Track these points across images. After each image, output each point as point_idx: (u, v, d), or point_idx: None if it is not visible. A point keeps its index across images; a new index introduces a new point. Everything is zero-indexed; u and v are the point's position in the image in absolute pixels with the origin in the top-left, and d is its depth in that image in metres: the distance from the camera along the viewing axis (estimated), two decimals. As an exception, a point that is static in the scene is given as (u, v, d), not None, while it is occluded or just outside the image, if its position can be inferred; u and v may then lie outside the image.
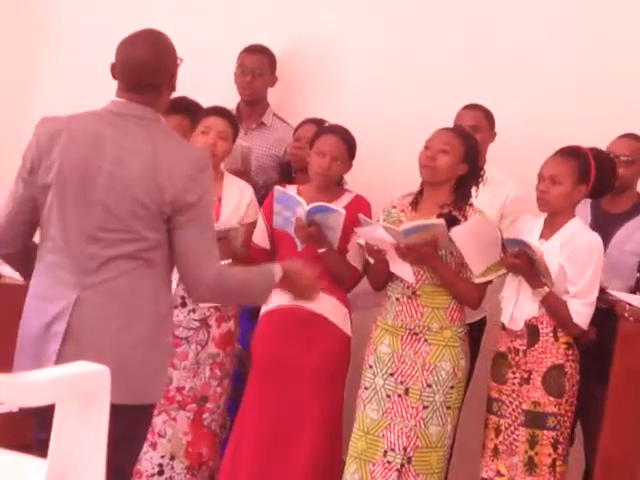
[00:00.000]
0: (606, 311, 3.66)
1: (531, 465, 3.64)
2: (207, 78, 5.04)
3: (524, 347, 3.68)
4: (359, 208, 3.98)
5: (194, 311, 4.11)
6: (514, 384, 3.69)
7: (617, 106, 4.41)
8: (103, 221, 2.84)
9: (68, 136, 2.88)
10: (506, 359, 3.72)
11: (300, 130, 4.60)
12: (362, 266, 4.03)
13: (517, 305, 3.70)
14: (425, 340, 3.79)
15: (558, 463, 3.66)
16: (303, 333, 4.03)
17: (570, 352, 3.67)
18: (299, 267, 3.19)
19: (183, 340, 4.07)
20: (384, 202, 4.02)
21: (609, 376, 3.51)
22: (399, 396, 3.78)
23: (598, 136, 4.08)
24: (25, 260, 3.03)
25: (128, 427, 2.69)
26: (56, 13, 5.80)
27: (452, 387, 3.78)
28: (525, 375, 3.67)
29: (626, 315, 3.55)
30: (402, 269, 3.74)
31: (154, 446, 4.09)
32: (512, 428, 3.68)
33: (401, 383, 3.78)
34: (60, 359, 2.79)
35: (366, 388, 3.85)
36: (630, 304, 3.56)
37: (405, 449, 3.75)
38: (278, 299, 4.08)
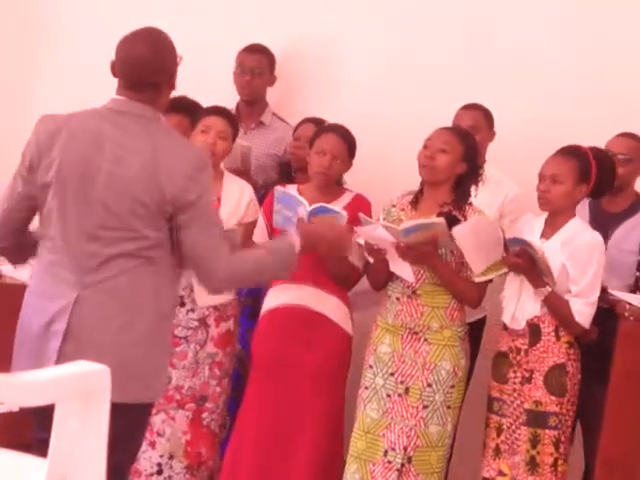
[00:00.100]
0: (606, 310, 3.66)
1: (533, 464, 3.64)
2: (207, 78, 5.04)
3: (526, 346, 3.68)
4: (359, 207, 3.98)
5: (193, 310, 4.11)
6: (515, 383, 3.69)
7: (617, 106, 4.41)
8: (103, 220, 2.84)
9: (68, 134, 2.88)
10: (507, 358, 3.72)
11: (299, 130, 4.60)
12: (363, 265, 4.03)
13: (519, 304, 3.70)
14: (425, 339, 3.79)
15: (560, 462, 3.66)
16: (304, 332, 4.04)
17: (572, 351, 3.68)
18: (319, 229, 3.18)
19: (182, 339, 4.07)
20: (384, 201, 4.01)
21: (609, 376, 3.51)
22: (399, 396, 3.78)
23: (598, 136, 4.08)
24: (18, 252, 3.07)
25: (127, 426, 2.69)
26: (56, 13, 5.80)
27: (452, 386, 3.78)
28: (527, 374, 3.67)
29: (626, 315, 3.55)
30: (402, 268, 3.74)
31: (153, 445, 4.09)
32: (513, 427, 3.68)
33: (401, 383, 3.78)
34: (60, 358, 2.79)
35: (366, 388, 3.85)
36: (630, 304, 3.56)
37: (405, 449, 3.75)
38: (279, 298, 4.10)
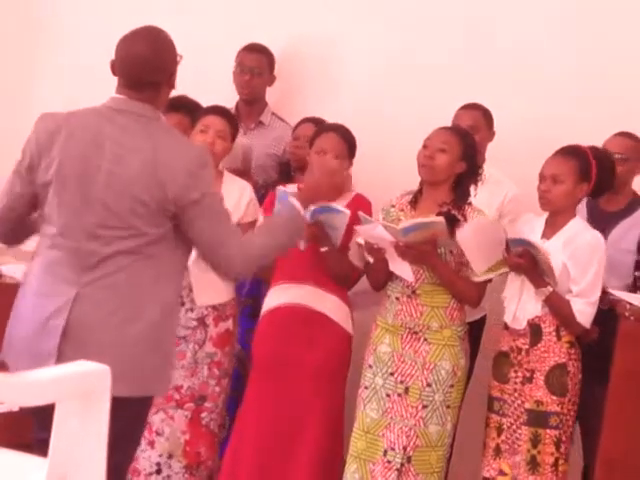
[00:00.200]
0: (607, 310, 3.67)
1: (534, 464, 3.64)
2: (207, 77, 5.04)
3: (527, 346, 3.68)
4: (360, 207, 3.98)
5: (192, 310, 4.11)
6: (516, 383, 3.69)
7: (617, 106, 4.41)
8: (103, 218, 2.84)
9: (68, 133, 2.88)
10: (508, 358, 3.73)
11: (299, 129, 4.60)
12: (363, 265, 4.03)
13: (520, 304, 3.70)
14: (425, 339, 3.79)
15: (560, 462, 3.66)
16: (304, 331, 4.04)
17: (572, 351, 3.68)
18: (310, 182, 3.22)
19: (181, 339, 4.07)
20: (384, 201, 4.01)
21: (609, 376, 3.51)
22: (399, 395, 3.78)
23: (598, 136, 4.09)
24: (16, 239, 3.13)
25: (127, 422, 2.69)
26: (56, 13, 5.80)
27: (452, 386, 3.78)
28: (528, 374, 3.67)
29: (627, 315, 3.55)
30: (401, 268, 3.74)
31: (152, 445, 4.09)
32: (514, 427, 3.69)
33: (401, 382, 3.78)
34: (61, 355, 2.79)
35: (366, 387, 3.85)
36: (631, 303, 3.56)
37: (405, 448, 3.75)
38: (279, 298, 4.10)
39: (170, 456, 4.11)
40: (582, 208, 3.96)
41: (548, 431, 3.63)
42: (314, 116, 4.59)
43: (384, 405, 3.79)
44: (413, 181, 3.92)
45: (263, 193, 4.43)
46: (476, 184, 3.87)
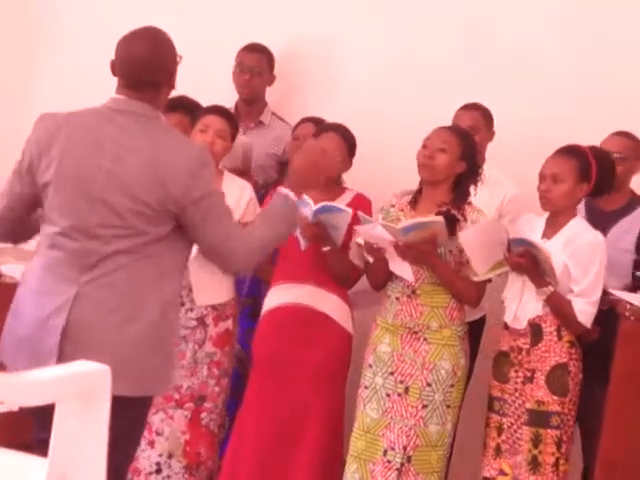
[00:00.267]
0: (607, 310, 3.67)
1: (535, 464, 3.64)
2: (207, 77, 5.04)
3: (527, 346, 3.68)
4: (360, 206, 3.99)
5: (191, 310, 4.11)
6: (517, 383, 3.69)
7: (617, 106, 4.41)
8: (103, 218, 2.84)
9: (68, 133, 2.89)
10: (509, 358, 3.72)
11: (299, 129, 4.60)
12: (363, 264, 4.03)
13: (521, 304, 3.70)
14: (425, 339, 3.79)
15: (561, 462, 3.66)
16: (305, 331, 4.04)
17: (573, 351, 3.68)
18: (295, 166, 3.19)
19: (181, 339, 4.06)
20: (384, 201, 4.02)
21: (609, 376, 3.51)
22: (399, 395, 3.78)
23: (598, 136, 4.09)
24: (17, 238, 3.15)
25: (127, 422, 2.69)
26: (56, 13, 5.80)
27: (452, 386, 3.78)
28: (528, 374, 3.67)
29: (627, 314, 3.54)
30: (401, 268, 3.74)
31: (152, 444, 4.09)
32: (515, 427, 3.69)
33: (401, 382, 3.78)
34: (61, 354, 2.79)
35: (366, 387, 3.85)
36: (631, 303, 3.56)
37: (405, 448, 3.75)
38: (279, 298, 4.10)
39: (170, 456, 4.11)
40: (580, 208, 3.96)
41: (549, 431, 3.63)
42: (314, 116, 4.59)
43: (384, 405, 3.79)
44: (413, 181, 3.92)
45: (263, 193, 4.43)
46: (476, 184, 3.87)
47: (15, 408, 2.03)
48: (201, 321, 4.13)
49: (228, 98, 4.89)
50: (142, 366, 2.88)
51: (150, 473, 4.10)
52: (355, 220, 3.83)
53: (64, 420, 1.82)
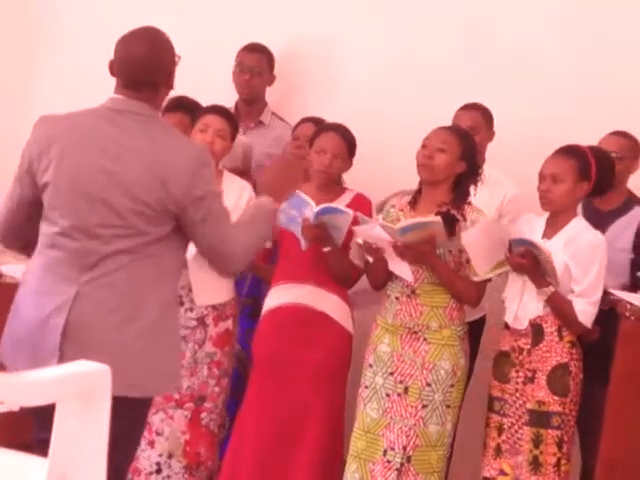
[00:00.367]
0: (608, 310, 3.67)
1: (536, 464, 3.64)
2: (207, 77, 5.04)
3: (528, 346, 3.68)
4: (360, 206, 3.99)
5: (191, 310, 4.11)
6: (518, 383, 3.69)
7: (617, 106, 4.41)
8: (103, 218, 2.84)
9: (67, 134, 2.89)
10: (509, 358, 3.72)
11: (299, 129, 4.60)
12: (363, 264, 4.03)
13: (521, 304, 3.70)
14: (424, 339, 3.78)
15: (563, 462, 3.66)
16: (305, 331, 4.04)
17: (574, 351, 3.68)
18: (267, 175, 3.28)
19: (180, 339, 4.05)
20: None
21: (609, 375, 3.51)
22: (399, 395, 3.77)
23: (598, 136, 4.10)
24: (25, 247, 3.09)
25: (127, 423, 2.69)
26: (56, 13, 5.80)
27: (452, 386, 3.78)
28: (529, 374, 3.67)
29: (627, 314, 3.54)
30: (400, 268, 3.74)
31: (152, 444, 4.09)
32: (516, 427, 3.68)
33: (400, 382, 3.78)
34: (61, 355, 2.79)
35: (366, 387, 3.85)
36: (631, 303, 3.56)
37: (405, 448, 3.74)
38: (280, 298, 4.10)
39: (170, 456, 4.11)
40: (578, 207, 3.97)
41: (550, 431, 3.63)
42: (314, 116, 4.59)
43: (384, 405, 3.79)
44: (413, 181, 3.92)
45: (263, 193, 4.42)
46: (476, 184, 3.87)
47: (15, 408, 2.03)
48: (201, 321, 4.13)
49: (228, 98, 4.89)
50: (142, 366, 2.88)
51: (150, 473, 4.10)
52: (354, 220, 3.83)
53: (64, 420, 1.82)
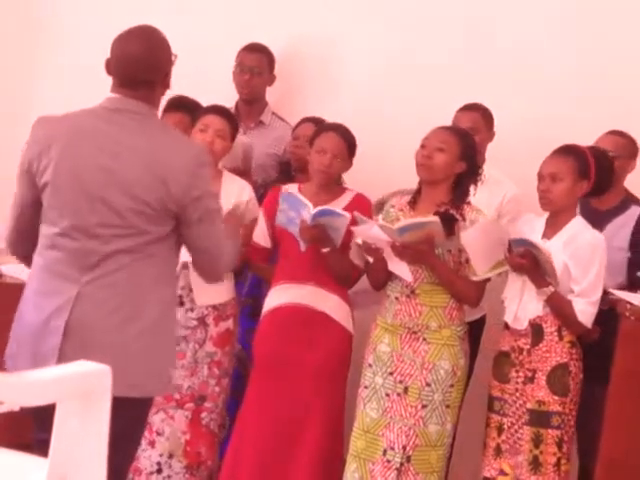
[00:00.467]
0: (607, 310, 3.67)
1: (536, 464, 3.64)
2: (207, 77, 5.05)
3: (528, 346, 3.68)
4: (360, 206, 3.99)
5: (192, 310, 4.11)
6: (518, 383, 3.69)
7: (617, 106, 4.41)
8: (103, 217, 2.84)
9: (65, 134, 2.89)
10: (509, 358, 3.72)
11: (299, 129, 4.60)
12: (363, 264, 4.03)
13: (521, 304, 3.70)
14: (424, 339, 3.78)
15: (563, 462, 3.66)
16: (305, 331, 4.04)
17: (574, 351, 3.68)
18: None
19: (181, 339, 4.06)
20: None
21: (609, 375, 3.51)
22: (398, 395, 3.78)
23: (598, 136, 4.09)
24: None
25: (128, 423, 2.70)
26: (56, 13, 5.80)
27: (451, 386, 3.78)
28: (529, 374, 3.67)
29: (627, 314, 3.54)
30: (400, 268, 3.74)
31: (152, 444, 4.09)
32: (516, 427, 3.69)
33: (400, 382, 3.78)
34: (62, 355, 2.79)
35: (366, 387, 3.85)
36: (631, 303, 3.56)
37: (404, 448, 3.75)
38: (280, 298, 4.10)
39: (171, 456, 4.11)
40: None
41: (550, 431, 3.63)
42: (314, 116, 4.59)
43: (384, 404, 3.79)
44: (413, 181, 3.92)
45: (262, 192, 4.43)
46: (476, 184, 3.87)
47: (16, 408, 2.03)
48: (202, 321, 4.13)
49: (228, 98, 4.89)
50: (143, 367, 2.88)
51: (151, 473, 4.10)
52: (354, 221, 3.83)
53: (64, 420, 1.81)
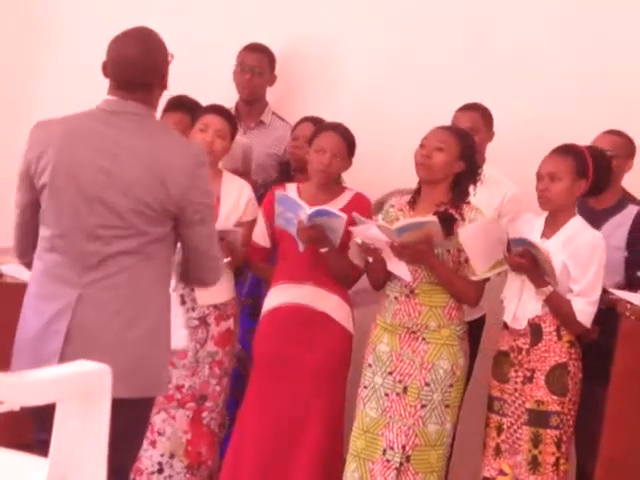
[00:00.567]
0: (607, 310, 3.67)
1: (535, 464, 3.64)
2: (207, 77, 5.04)
3: (527, 346, 3.68)
4: (359, 206, 3.99)
5: (193, 309, 4.11)
6: (517, 383, 3.69)
7: (617, 106, 4.41)
8: (102, 219, 2.84)
9: (63, 136, 2.89)
10: (508, 358, 3.73)
11: (298, 129, 4.60)
12: (363, 264, 4.03)
13: (520, 304, 3.70)
14: (423, 339, 3.78)
15: (561, 462, 3.66)
16: (305, 331, 4.04)
17: (573, 351, 3.68)
18: None
19: (182, 338, 4.07)
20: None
21: (609, 375, 3.51)
22: (397, 395, 3.78)
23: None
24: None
25: (130, 424, 2.70)
26: (56, 13, 5.80)
27: (451, 385, 3.78)
28: (528, 374, 3.67)
29: (627, 314, 3.54)
30: (399, 268, 3.74)
31: (154, 444, 4.09)
32: (515, 427, 3.69)
33: (399, 382, 3.78)
34: (63, 358, 2.79)
35: (365, 387, 3.85)
36: (631, 303, 3.56)
37: (404, 447, 3.75)
38: (279, 298, 4.10)
39: (172, 456, 4.12)
40: None
41: (549, 431, 3.63)
42: (313, 115, 4.59)
43: (383, 404, 3.79)
44: (412, 181, 3.92)
45: (262, 192, 4.43)
46: (475, 184, 3.87)
47: (16, 408, 2.03)
48: (203, 320, 4.13)
49: (228, 98, 4.89)
50: (144, 367, 2.88)
51: (152, 473, 4.11)
52: (352, 221, 3.83)
53: (64, 420, 1.82)
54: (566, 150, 3.72)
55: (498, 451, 3.72)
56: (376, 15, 5.05)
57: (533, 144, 4.31)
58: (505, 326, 3.78)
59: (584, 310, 3.62)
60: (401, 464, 3.75)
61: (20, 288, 3.08)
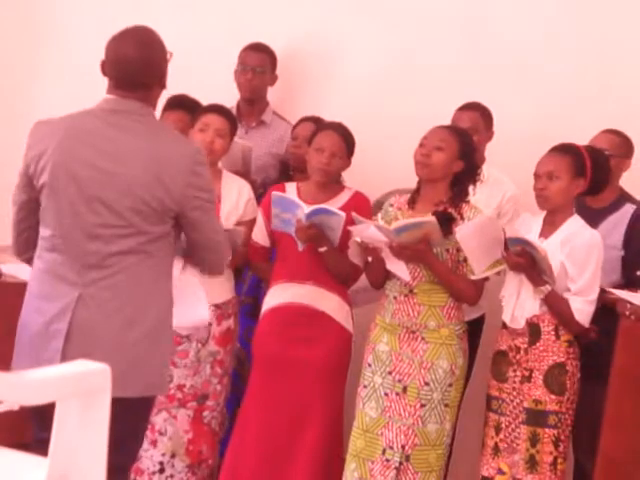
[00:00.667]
0: (606, 309, 3.67)
1: (532, 463, 3.64)
2: (207, 77, 5.04)
3: (525, 345, 3.69)
4: (358, 205, 3.99)
5: (194, 309, 4.11)
6: (515, 382, 3.69)
7: (617, 106, 4.42)
8: (102, 218, 2.85)
9: (62, 136, 2.89)
10: (507, 357, 3.73)
11: (297, 129, 4.59)
12: (363, 263, 4.03)
13: (518, 303, 3.71)
14: (422, 338, 3.79)
15: (559, 461, 3.66)
16: (305, 331, 4.04)
17: (571, 350, 3.68)
18: None
19: (184, 338, 4.07)
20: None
21: (607, 374, 3.51)
22: (397, 394, 3.78)
23: (596, 136, 4.10)
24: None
25: (131, 422, 2.70)
26: (56, 13, 5.80)
27: (450, 385, 3.78)
28: (526, 373, 3.67)
29: (627, 314, 3.54)
30: (398, 267, 3.74)
31: (155, 444, 4.09)
32: (513, 426, 3.69)
33: (399, 381, 3.78)
34: (64, 358, 2.79)
35: (365, 386, 3.85)
36: (631, 302, 3.56)
37: (403, 447, 3.75)
38: (279, 297, 4.10)
39: (173, 455, 4.12)
40: None
41: (547, 430, 3.64)
42: (313, 115, 4.59)
43: (382, 404, 3.79)
44: (412, 180, 3.92)
45: (262, 192, 4.43)
46: (474, 183, 3.87)
47: (15, 407, 2.03)
48: (204, 320, 4.12)
49: (229, 98, 4.89)
50: (145, 367, 2.88)
51: (153, 473, 4.11)
52: (351, 220, 3.83)
53: (64, 419, 1.82)
54: (564, 149, 3.72)
55: (497, 450, 3.73)
56: (376, 15, 5.05)
57: (533, 144, 4.31)
58: (504, 325, 3.78)
59: (582, 309, 3.63)
60: (400, 463, 3.75)
61: (20, 287, 3.09)
